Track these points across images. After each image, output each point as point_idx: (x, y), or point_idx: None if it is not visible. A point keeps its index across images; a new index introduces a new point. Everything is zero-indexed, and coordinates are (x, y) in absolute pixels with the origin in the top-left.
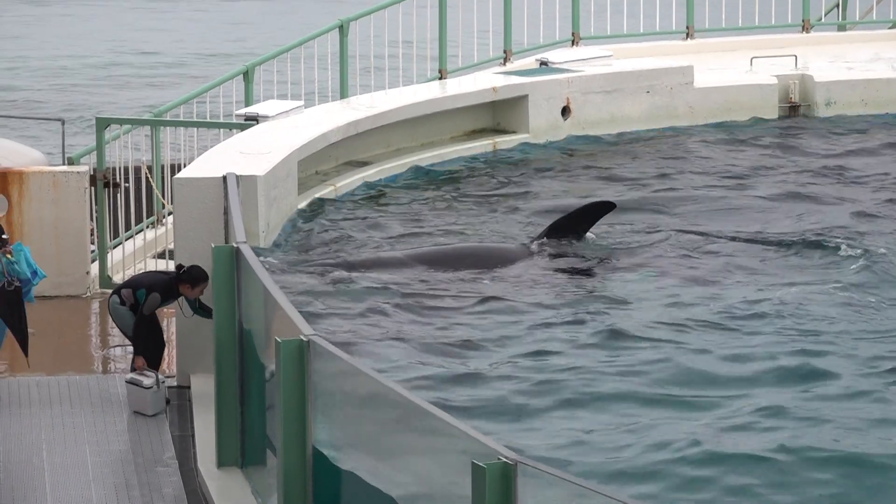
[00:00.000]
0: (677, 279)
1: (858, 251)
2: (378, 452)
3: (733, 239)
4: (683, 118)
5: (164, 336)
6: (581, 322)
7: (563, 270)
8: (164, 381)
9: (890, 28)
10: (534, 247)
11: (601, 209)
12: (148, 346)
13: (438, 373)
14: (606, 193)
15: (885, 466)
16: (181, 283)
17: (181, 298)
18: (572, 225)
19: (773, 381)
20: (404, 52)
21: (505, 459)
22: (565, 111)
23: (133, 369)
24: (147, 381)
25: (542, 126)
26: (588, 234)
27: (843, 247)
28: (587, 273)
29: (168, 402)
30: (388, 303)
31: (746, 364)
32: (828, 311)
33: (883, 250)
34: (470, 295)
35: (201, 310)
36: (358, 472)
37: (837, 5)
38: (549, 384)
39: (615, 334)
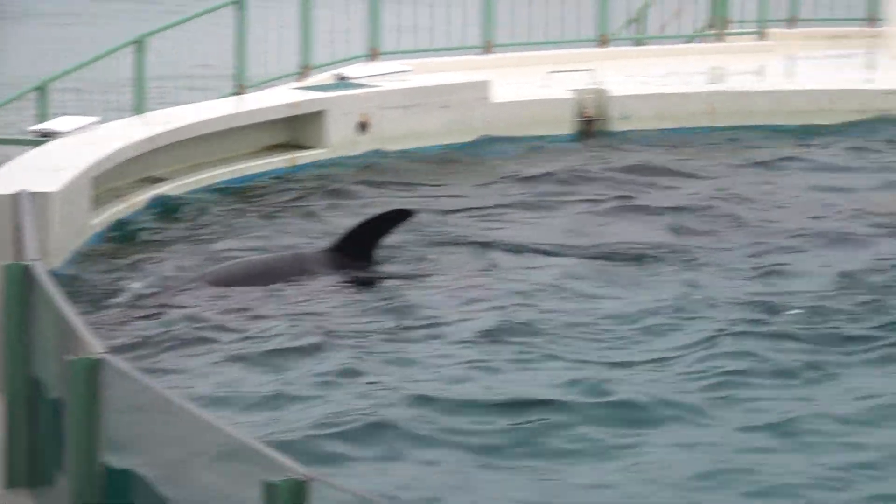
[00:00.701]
0: (478, 291)
1: (666, 262)
2: (173, 472)
3: (535, 252)
4: (480, 133)
5: None
6: (378, 332)
7: (359, 280)
8: None
9: (685, 43)
10: (329, 256)
11: (398, 217)
12: None
13: (237, 392)
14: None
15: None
16: None
17: None
18: (368, 233)
19: (578, 395)
20: (203, 68)
21: (298, 477)
22: (363, 126)
23: None
24: None
25: (340, 141)
26: (384, 242)
27: (650, 259)
28: (383, 282)
29: None
30: (184, 321)
31: (549, 377)
32: (638, 320)
33: (690, 260)
34: (264, 310)
35: None
36: (152, 492)
37: (634, 20)
38: (350, 399)
39: (411, 347)
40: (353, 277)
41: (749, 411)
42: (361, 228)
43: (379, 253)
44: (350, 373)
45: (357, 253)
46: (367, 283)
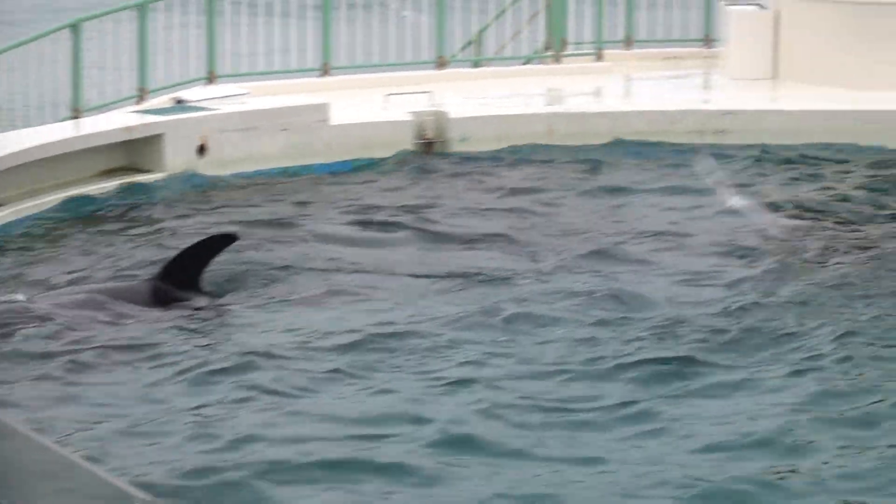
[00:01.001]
0: (311, 311)
1: (506, 285)
2: (13, 498)
3: (371, 275)
4: (320, 156)
5: None
6: (209, 361)
7: (186, 307)
8: None
9: (523, 64)
10: (155, 284)
11: (221, 242)
12: None
13: (73, 423)
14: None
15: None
16: None
17: None
18: (192, 260)
19: (415, 420)
20: (40, 92)
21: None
22: (202, 150)
23: None
24: None
25: (178, 165)
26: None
27: (488, 282)
28: (210, 308)
29: None
30: (12, 353)
31: (387, 401)
32: (476, 344)
33: (529, 283)
34: (92, 341)
35: None
36: None
37: (472, 42)
38: (187, 429)
39: (249, 371)
40: (179, 306)
41: (585, 438)
42: (185, 255)
43: (205, 279)
44: (181, 407)
45: (182, 280)
46: (193, 312)
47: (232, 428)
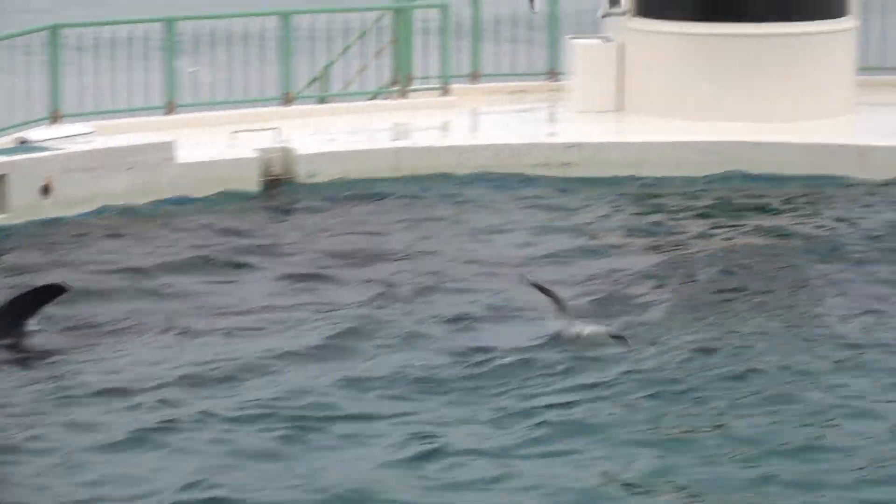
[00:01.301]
0: (153, 351)
1: (361, 313)
2: None
3: (214, 316)
4: (166, 194)
5: None
6: (43, 413)
7: (12, 353)
8: None
9: (370, 99)
10: None
11: (51, 292)
12: None
13: None
14: (77, 275)
15: None
16: None
17: None
18: (21, 307)
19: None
20: None
21: None
22: (47, 190)
23: None
24: None
25: (22, 206)
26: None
27: (346, 309)
28: (40, 355)
29: None
30: None
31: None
32: (339, 371)
33: (384, 311)
34: None
35: None
36: None
37: (318, 78)
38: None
39: (85, 417)
40: (4, 352)
41: (448, 472)
42: (14, 304)
43: (34, 325)
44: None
45: (10, 329)
46: (20, 358)
47: (66, 472)
